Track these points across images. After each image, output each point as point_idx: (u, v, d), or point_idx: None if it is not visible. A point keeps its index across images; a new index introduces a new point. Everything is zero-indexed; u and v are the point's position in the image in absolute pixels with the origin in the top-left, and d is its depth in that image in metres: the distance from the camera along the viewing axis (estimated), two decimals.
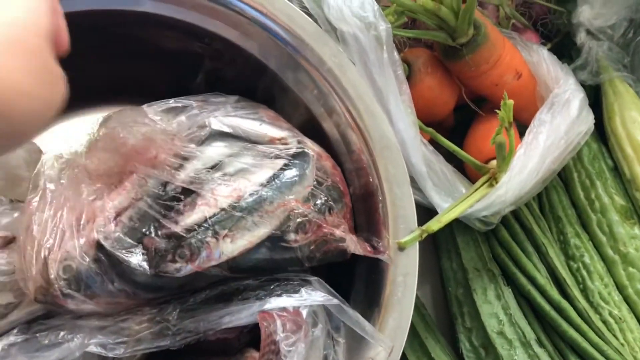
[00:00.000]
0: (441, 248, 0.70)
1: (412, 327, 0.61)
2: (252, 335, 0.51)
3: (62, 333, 0.44)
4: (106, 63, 0.65)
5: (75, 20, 0.57)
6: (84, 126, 0.54)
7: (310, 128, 0.58)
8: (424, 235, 0.54)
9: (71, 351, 0.43)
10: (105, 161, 0.50)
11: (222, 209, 0.47)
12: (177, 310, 0.47)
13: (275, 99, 0.61)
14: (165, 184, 0.47)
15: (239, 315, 0.46)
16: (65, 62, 0.64)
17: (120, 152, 0.50)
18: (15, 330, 0.44)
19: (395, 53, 0.56)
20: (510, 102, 0.52)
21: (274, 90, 0.62)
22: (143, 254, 0.45)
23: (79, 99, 0.69)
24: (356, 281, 0.58)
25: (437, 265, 0.71)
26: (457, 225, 0.68)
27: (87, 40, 0.61)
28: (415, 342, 0.62)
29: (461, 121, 0.77)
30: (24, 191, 0.52)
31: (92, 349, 0.44)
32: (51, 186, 0.49)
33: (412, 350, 0.62)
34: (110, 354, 0.45)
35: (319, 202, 0.50)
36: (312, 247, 0.49)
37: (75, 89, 0.68)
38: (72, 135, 0.54)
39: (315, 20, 0.56)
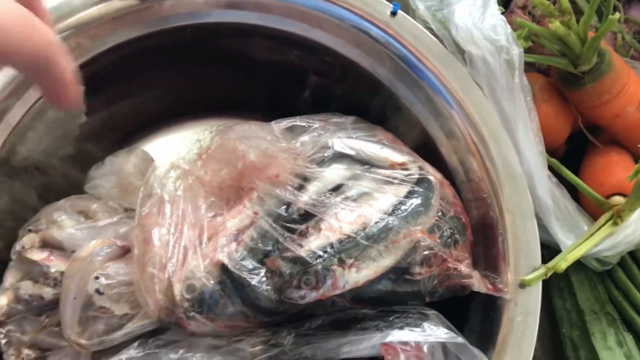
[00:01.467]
0: (552, 287, 0.66)
1: None
2: None
3: (181, 351, 0.43)
4: (212, 77, 0.66)
5: (189, 35, 0.58)
6: (188, 139, 0.54)
7: (426, 152, 0.56)
8: (549, 274, 0.50)
9: None
10: (219, 173, 0.49)
11: (347, 236, 0.45)
12: (292, 335, 0.45)
13: (388, 119, 0.60)
14: (287, 205, 0.46)
15: (359, 345, 0.44)
16: (176, 77, 0.65)
17: (236, 166, 0.49)
18: (135, 344, 0.44)
19: (526, 79, 0.53)
20: None
21: (387, 110, 0.60)
22: (267, 277, 0.43)
23: (189, 112, 0.71)
24: (470, 317, 0.54)
25: (545, 304, 0.67)
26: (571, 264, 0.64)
27: (197, 54, 0.61)
28: None
29: (571, 152, 0.73)
30: (136, 199, 0.52)
31: None
32: (166, 196, 0.48)
33: None
34: None
35: (444, 234, 0.47)
36: (434, 282, 0.47)
37: (184, 103, 0.69)
38: (177, 147, 0.53)
39: (441, 42, 0.54)
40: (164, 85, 0.65)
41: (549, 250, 0.57)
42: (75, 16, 0.53)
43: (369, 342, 0.43)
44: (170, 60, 0.61)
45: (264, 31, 0.56)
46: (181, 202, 0.47)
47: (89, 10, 0.53)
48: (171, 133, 0.71)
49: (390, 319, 0.46)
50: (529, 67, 0.72)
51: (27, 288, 0.48)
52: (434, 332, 0.44)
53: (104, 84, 0.57)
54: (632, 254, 0.65)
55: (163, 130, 0.71)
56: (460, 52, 0.54)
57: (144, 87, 0.63)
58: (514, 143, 0.52)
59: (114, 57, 0.56)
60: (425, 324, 0.45)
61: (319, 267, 0.43)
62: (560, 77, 0.65)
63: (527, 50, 0.70)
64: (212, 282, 0.43)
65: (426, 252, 0.46)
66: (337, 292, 0.44)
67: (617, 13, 0.54)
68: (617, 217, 0.57)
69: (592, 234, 0.55)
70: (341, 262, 0.44)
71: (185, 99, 0.68)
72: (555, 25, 0.55)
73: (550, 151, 0.70)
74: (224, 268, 0.43)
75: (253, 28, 0.56)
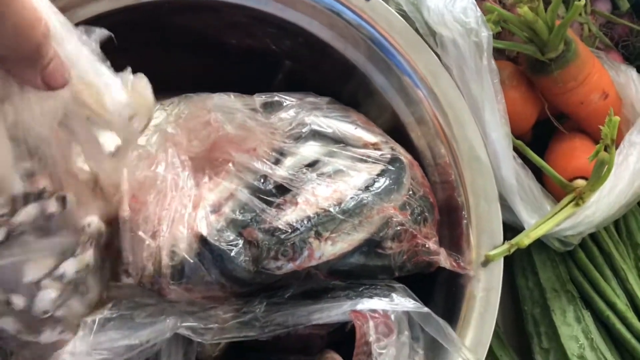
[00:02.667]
0: (516, 266, 0.68)
1: None
2: (334, 336, 0.51)
3: (154, 313, 0.44)
4: (185, 58, 0.66)
5: (165, 9, 0.58)
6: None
7: (396, 135, 0.57)
8: (512, 250, 0.53)
9: (162, 332, 0.43)
10: (191, 143, 0.50)
11: (324, 210, 0.46)
12: (264, 303, 0.47)
13: (360, 104, 0.61)
14: (264, 178, 0.47)
15: (329, 312, 0.45)
16: (146, 54, 0.65)
17: (211, 136, 0.50)
18: (109, 305, 0.44)
19: (494, 62, 0.55)
20: (617, 118, 0.51)
21: (359, 95, 0.61)
22: (245, 248, 0.44)
23: (161, 89, 0.71)
24: (435, 294, 0.56)
25: (509, 283, 0.70)
26: (534, 244, 0.66)
27: (168, 32, 0.62)
28: None
29: (537, 137, 0.75)
30: None
31: (183, 331, 0.44)
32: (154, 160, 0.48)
33: None
34: (198, 339, 0.44)
35: (415, 211, 0.50)
36: (404, 257, 0.49)
37: (158, 80, 0.69)
38: None
39: (413, 24, 0.56)
40: (135, 65, 0.65)
41: (514, 232, 0.59)
42: None
43: (339, 309, 0.45)
44: (145, 38, 0.61)
45: (238, 9, 0.57)
46: (171, 167, 0.48)
47: None
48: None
49: (360, 289, 0.48)
50: (498, 55, 0.74)
51: None
52: (402, 302, 0.46)
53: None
54: (593, 236, 0.68)
55: None
56: (432, 34, 0.56)
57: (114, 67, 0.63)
58: (480, 124, 0.54)
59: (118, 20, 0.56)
60: (394, 295, 0.47)
61: (296, 239, 0.45)
62: (529, 64, 0.68)
63: (498, 38, 0.73)
64: (192, 253, 0.44)
65: (398, 228, 0.48)
66: (313, 263, 0.46)
67: (582, 0, 0.56)
68: (579, 199, 0.60)
69: (554, 214, 0.58)
70: (318, 235, 0.45)
71: (157, 79, 0.68)
72: (524, 10, 0.57)
73: (518, 137, 0.72)
74: (202, 240, 0.44)
75: (227, 5, 0.57)
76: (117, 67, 0.53)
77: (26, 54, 0.38)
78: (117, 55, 0.61)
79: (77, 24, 0.53)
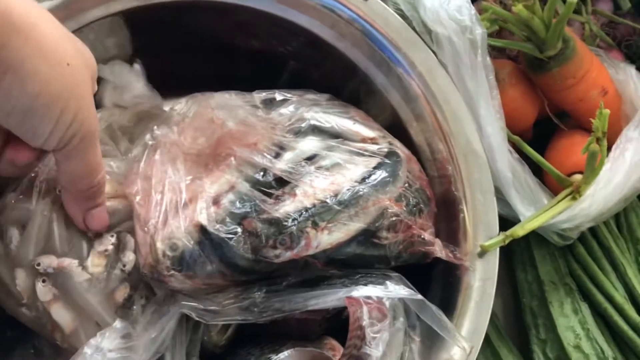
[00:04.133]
0: (516, 259, 0.69)
1: (485, 335, 0.61)
2: (331, 323, 0.53)
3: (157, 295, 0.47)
4: (191, 54, 0.68)
5: (168, 10, 0.60)
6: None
7: (396, 132, 0.59)
8: (507, 241, 0.54)
9: (170, 316, 0.45)
10: (197, 141, 0.52)
11: (321, 201, 0.48)
12: (263, 290, 0.49)
13: (361, 101, 0.63)
14: (264, 170, 0.49)
15: (325, 298, 0.47)
16: (153, 54, 0.67)
17: (214, 134, 0.52)
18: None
19: (488, 58, 0.57)
20: (607, 111, 0.52)
21: (360, 93, 0.63)
22: (244, 237, 0.46)
23: (167, 88, 0.73)
24: (432, 285, 0.58)
25: (509, 277, 0.71)
26: (534, 238, 0.67)
27: (176, 34, 0.64)
28: (487, 350, 0.62)
29: (539, 135, 0.76)
30: None
31: (185, 310, 0.46)
32: (147, 159, 0.51)
33: (484, 358, 0.62)
34: (199, 319, 0.46)
35: (410, 203, 0.51)
36: (400, 247, 0.51)
37: (162, 80, 0.71)
38: None
39: (410, 23, 0.58)
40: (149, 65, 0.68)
41: (511, 225, 0.60)
42: None
43: (335, 295, 0.47)
44: (153, 39, 0.64)
45: (244, 10, 0.59)
46: (159, 165, 0.50)
47: None
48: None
49: (356, 277, 0.49)
50: (499, 54, 0.76)
51: None
52: (396, 290, 0.48)
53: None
54: (592, 230, 0.69)
55: None
56: (427, 32, 0.57)
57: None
58: (475, 119, 0.56)
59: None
60: (388, 282, 0.49)
61: (294, 228, 0.47)
62: (528, 62, 0.69)
63: (498, 36, 0.74)
64: (192, 242, 0.46)
65: (393, 219, 0.50)
66: (310, 252, 0.48)
67: None
68: (576, 193, 0.61)
69: (551, 207, 0.59)
70: (315, 225, 0.47)
71: (164, 80, 0.70)
72: (518, 8, 0.58)
73: (519, 135, 0.74)
74: (203, 229, 0.47)
75: (234, 7, 0.59)
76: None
77: (79, 193, 0.45)
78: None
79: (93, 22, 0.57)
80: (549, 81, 0.68)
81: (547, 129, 0.76)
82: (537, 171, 0.66)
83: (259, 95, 0.53)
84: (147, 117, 0.56)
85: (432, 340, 0.52)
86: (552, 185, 0.66)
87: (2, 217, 0.47)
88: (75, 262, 0.46)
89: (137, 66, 0.58)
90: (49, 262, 0.45)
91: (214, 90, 0.71)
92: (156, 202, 0.47)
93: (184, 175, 0.49)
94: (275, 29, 0.62)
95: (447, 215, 0.57)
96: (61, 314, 0.46)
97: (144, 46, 0.64)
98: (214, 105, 0.52)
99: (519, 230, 0.55)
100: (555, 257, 0.67)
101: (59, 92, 0.38)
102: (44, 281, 0.46)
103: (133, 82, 0.57)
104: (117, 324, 0.45)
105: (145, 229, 0.47)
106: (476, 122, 0.56)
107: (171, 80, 0.68)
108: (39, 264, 0.45)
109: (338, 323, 0.52)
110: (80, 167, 0.42)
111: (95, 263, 0.46)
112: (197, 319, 0.46)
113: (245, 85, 0.65)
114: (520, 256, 0.69)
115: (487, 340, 0.63)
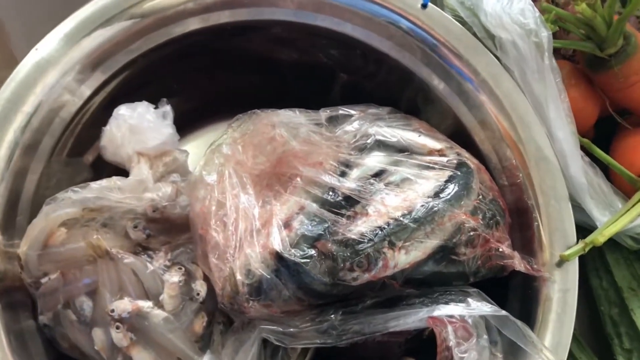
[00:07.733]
0: (588, 266, 0.67)
1: None
2: (411, 344, 0.51)
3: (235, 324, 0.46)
4: (243, 78, 0.68)
5: (227, 34, 0.60)
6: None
7: (460, 140, 0.58)
8: (587, 249, 0.52)
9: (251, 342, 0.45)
10: (257, 159, 0.51)
11: (395, 219, 0.47)
12: (340, 313, 0.47)
13: (420, 111, 0.61)
14: (333, 190, 0.48)
15: (406, 319, 0.45)
16: (211, 78, 0.67)
17: (276, 152, 0.51)
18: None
19: (554, 61, 0.55)
20: None
21: (418, 101, 0.62)
22: (320, 260, 0.45)
23: (219, 113, 0.73)
24: (510, 298, 0.56)
25: (581, 285, 0.68)
26: (606, 243, 0.64)
27: (231, 54, 0.64)
28: None
29: (601, 135, 0.74)
30: None
31: (264, 334, 0.45)
32: (215, 185, 0.50)
33: None
34: (277, 343, 0.45)
35: (486, 216, 0.49)
36: (478, 262, 0.49)
37: (216, 104, 0.71)
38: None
39: (470, 29, 0.56)
40: (200, 86, 0.67)
41: (584, 232, 0.58)
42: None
43: (416, 316, 0.45)
44: (208, 60, 0.63)
45: (298, 27, 0.58)
46: (230, 188, 0.49)
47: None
48: (202, 135, 0.73)
49: (435, 295, 0.48)
50: (554, 54, 0.73)
51: None
52: (478, 307, 0.46)
53: (152, 78, 0.60)
54: None
55: (196, 132, 0.73)
56: (490, 37, 0.56)
57: (182, 87, 0.65)
58: (545, 124, 0.54)
59: (173, 48, 0.58)
60: (469, 299, 0.47)
61: (370, 249, 0.45)
62: (587, 61, 0.67)
63: (553, 36, 0.72)
64: (268, 270, 0.45)
65: (471, 233, 0.48)
66: (388, 273, 0.46)
67: None
68: None
69: (627, 211, 0.57)
70: (391, 245, 0.46)
71: (217, 99, 0.70)
72: (582, 7, 0.56)
73: (580, 136, 0.71)
74: (278, 256, 0.45)
75: (288, 25, 0.58)
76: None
77: None
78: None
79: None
80: (611, 79, 0.66)
81: (607, 128, 0.73)
82: (602, 172, 0.63)
83: (324, 113, 0.52)
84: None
85: (515, 356, 0.50)
86: (621, 186, 0.64)
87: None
88: (150, 303, 0.45)
89: (167, 107, 0.56)
90: (123, 306, 0.44)
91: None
92: (232, 231, 0.46)
93: (255, 200, 0.48)
94: (323, 41, 0.61)
95: (520, 225, 0.55)
96: (142, 357, 0.45)
97: (194, 69, 0.64)
98: (276, 122, 0.50)
99: (599, 238, 0.53)
100: (630, 261, 0.64)
101: None
102: (117, 327, 0.45)
103: (160, 126, 0.55)
104: (206, 357, 0.44)
105: (224, 258, 0.46)
106: (546, 128, 0.54)
107: (225, 100, 0.68)
108: (112, 310, 0.44)
109: (418, 343, 0.50)
110: None
111: (172, 295, 0.45)
112: (277, 342, 0.45)
113: (295, 100, 0.65)
114: (592, 262, 0.67)
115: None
